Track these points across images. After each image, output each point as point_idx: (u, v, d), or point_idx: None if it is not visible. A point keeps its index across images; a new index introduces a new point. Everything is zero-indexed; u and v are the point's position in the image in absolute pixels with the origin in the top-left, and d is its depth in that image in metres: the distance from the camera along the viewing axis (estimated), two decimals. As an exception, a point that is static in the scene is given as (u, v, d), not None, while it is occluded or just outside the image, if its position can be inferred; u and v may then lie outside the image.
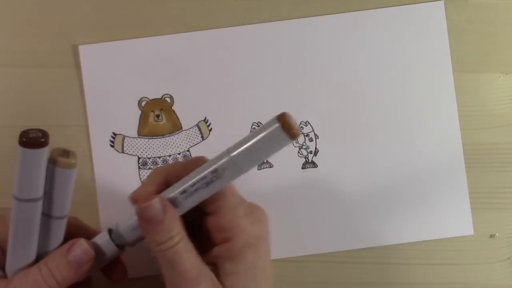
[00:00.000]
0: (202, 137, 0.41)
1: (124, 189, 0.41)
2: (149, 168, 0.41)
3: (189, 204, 0.28)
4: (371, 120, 0.41)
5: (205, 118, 0.41)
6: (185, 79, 0.41)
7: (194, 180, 0.28)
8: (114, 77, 0.41)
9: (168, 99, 0.41)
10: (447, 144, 0.41)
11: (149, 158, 0.41)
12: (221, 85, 0.41)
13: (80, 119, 0.41)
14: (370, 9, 0.42)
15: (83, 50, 0.41)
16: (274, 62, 0.41)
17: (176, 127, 0.41)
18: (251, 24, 0.41)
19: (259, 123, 0.41)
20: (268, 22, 0.41)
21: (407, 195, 0.41)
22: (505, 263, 0.42)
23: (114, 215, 0.41)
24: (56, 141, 0.40)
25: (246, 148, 0.26)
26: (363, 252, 0.41)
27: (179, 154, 0.41)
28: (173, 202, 0.28)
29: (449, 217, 0.41)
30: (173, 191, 0.28)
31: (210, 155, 0.29)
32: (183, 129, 0.41)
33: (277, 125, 0.25)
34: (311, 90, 0.41)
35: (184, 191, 0.28)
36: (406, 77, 0.41)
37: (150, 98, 0.41)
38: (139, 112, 0.41)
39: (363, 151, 0.41)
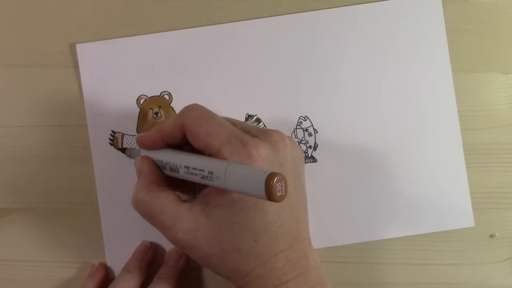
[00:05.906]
0: (201, 134, 0.41)
1: (125, 187, 0.41)
2: (148, 166, 0.41)
3: (184, 176, 0.33)
4: (371, 120, 0.41)
5: (204, 114, 0.41)
6: (183, 76, 0.41)
7: (193, 166, 0.32)
8: (112, 75, 0.41)
9: (166, 96, 0.41)
10: (447, 144, 0.41)
11: (147, 155, 0.41)
12: (219, 81, 0.41)
13: (79, 118, 0.41)
14: (366, 3, 0.42)
15: (80, 48, 0.41)
16: (273, 57, 0.41)
17: (174, 124, 0.41)
18: (250, 19, 0.41)
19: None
20: (266, 17, 0.41)
21: (407, 193, 0.41)
22: (505, 263, 0.41)
23: (115, 214, 0.41)
24: (56, 141, 0.41)
25: (238, 173, 0.29)
26: (362, 251, 0.41)
27: (177, 151, 0.41)
28: (174, 169, 0.34)
29: (450, 213, 0.41)
30: (177, 161, 0.34)
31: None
32: (182, 126, 0.41)
33: (262, 181, 0.26)
34: (309, 84, 0.41)
35: (185, 167, 0.33)
36: (406, 75, 0.41)
37: (149, 96, 0.41)
38: (138, 109, 0.41)
39: (363, 148, 0.41)
